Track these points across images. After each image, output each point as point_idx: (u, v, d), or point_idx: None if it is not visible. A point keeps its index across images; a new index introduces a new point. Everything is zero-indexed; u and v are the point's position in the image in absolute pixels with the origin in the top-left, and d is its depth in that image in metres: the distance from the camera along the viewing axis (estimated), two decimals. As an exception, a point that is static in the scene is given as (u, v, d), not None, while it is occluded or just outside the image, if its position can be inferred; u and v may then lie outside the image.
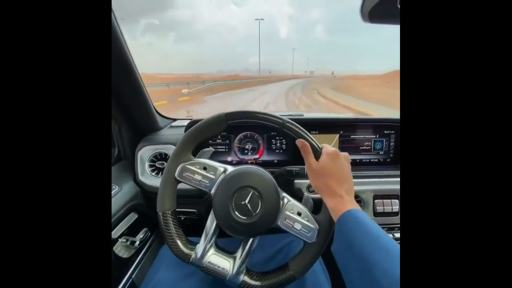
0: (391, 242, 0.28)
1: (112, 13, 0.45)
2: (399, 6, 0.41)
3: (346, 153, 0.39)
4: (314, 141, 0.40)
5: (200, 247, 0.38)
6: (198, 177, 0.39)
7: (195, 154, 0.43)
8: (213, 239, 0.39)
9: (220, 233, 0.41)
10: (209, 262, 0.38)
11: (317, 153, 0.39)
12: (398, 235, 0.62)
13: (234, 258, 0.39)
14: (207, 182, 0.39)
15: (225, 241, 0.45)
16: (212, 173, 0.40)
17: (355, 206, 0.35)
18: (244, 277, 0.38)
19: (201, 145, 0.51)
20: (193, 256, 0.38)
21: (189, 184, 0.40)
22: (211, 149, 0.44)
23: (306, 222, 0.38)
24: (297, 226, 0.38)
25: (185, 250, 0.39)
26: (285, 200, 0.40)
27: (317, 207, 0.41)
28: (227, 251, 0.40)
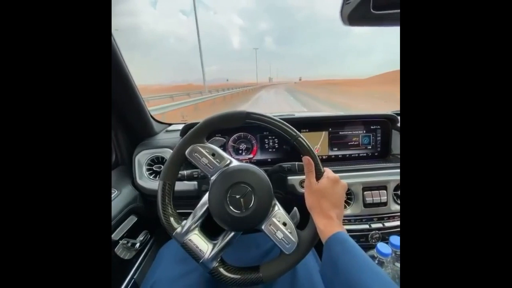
0: (368, 259, 0.31)
1: None
2: (372, 11, 0.45)
3: (345, 183, 0.42)
4: (319, 163, 0.42)
5: (186, 224, 0.41)
6: (205, 161, 0.42)
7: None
8: (200, 221, 0.41)
9: (208, 223, 0.42)
10: (189, 239, 0.40)
11: (319, 174, 0.41)
12: (388, 224, 0.65)
13: (214, 245, 0.41)
14: (211, 168, 0.42)
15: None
16: (218, 161, 0.42)
17: (342, 229, 0.37)
18: (216, 265, 0.40)
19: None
20: (178, 230, 0.40)
21: (194, 164, 0.42)
22: (222, 138, 0.47)
23: (288, 234, 0.40)
24: (279, 235, 0.40)
25: (173, 222, 0.41)
26: (275, 208, 0.42)
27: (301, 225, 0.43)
28: (210, 236, 0.42)
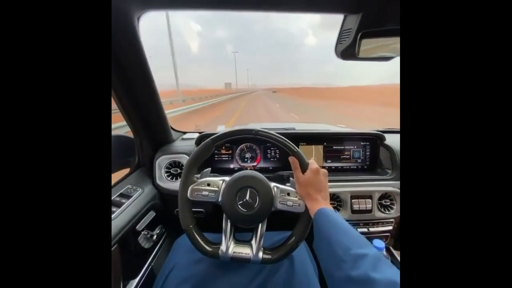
0: (346, 226, 0.41)
1: (138, 33, 0.53)
2: (357, 55, 0.58)
3: (325, 170, 0.52)
4: (303, 158, 0.52)
5: (223, 245, 0.49)
6: (206, 193, 0.50)
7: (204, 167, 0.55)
8: (232, 235, 0.51)
9: (235, 228, 0.52)
10: (234, 252, 0.49)
11: (304, 167, 0.51)
12: (372, 229, 0.74)
13: (251, 244, 0.50)
14: (213, 194, 0.51)
15: (241, 234, 0.55)
16: (215, 186, 0.51)
17: (326, 206, 0.47)
18: (263, 255, 0.49)
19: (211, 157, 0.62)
20: (221, 253, 0.49)
21: (201, 200, 0.50)
22: (208, 168, 0.57)
23: (294, 198, 0.50)
24: (289, 203, 0.50)
25: (214, 251, 0.49)
26: (275, 188, 0.52)
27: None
28: (245, 240, 0.52)
